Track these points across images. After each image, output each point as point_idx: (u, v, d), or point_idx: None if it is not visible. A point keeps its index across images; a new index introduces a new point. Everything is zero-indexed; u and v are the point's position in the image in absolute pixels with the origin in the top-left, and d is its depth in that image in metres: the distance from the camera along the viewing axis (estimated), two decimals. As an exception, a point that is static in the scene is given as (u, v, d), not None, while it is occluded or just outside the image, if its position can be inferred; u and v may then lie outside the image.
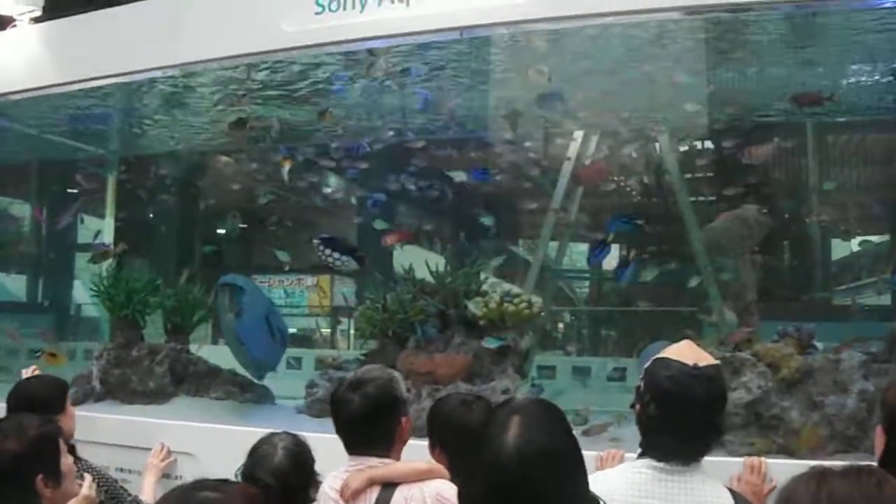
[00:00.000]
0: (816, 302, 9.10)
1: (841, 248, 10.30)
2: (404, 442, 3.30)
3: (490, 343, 5.18)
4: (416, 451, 3.42)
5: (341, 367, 5.89)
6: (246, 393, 6.12)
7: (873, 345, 4.94)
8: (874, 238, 10.03)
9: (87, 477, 3.53)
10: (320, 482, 3.37)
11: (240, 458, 4.52)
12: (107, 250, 6.94)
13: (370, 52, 5.63)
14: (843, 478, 1.87)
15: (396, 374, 3.40)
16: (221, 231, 10.26)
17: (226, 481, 2.15)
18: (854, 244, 10.05)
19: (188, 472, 4.95)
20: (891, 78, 6.05)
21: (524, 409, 2.09)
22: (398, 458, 3.25)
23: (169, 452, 5.06)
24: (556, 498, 1.97)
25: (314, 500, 3.34)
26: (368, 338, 5.76)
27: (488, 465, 1.99)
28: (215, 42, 5.48)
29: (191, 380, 6.15)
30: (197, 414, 5.69)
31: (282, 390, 6.41)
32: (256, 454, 3.36)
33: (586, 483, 2.07)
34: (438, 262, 6.11)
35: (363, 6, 4.98)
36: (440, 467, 3.19)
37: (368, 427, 3.20)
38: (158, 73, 6.09)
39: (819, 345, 4.91)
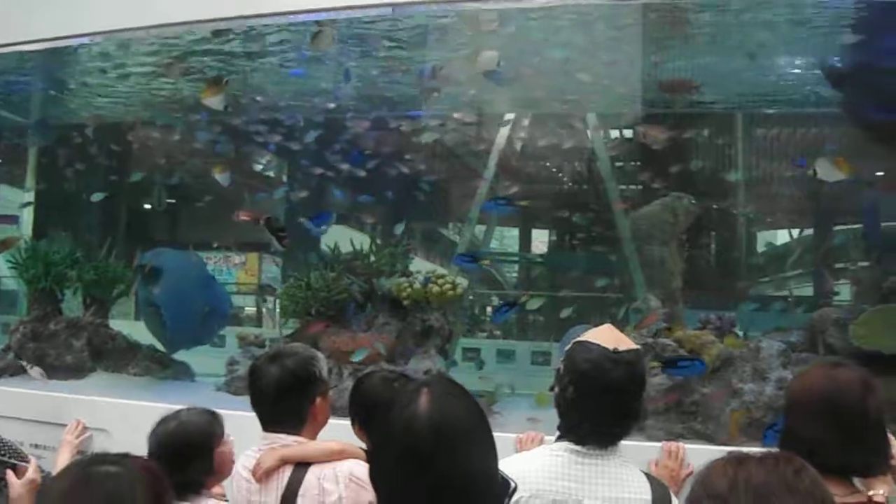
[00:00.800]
0: (739, 291, 9.24)
1: (766, 239, 10.50)
2: (321, 424, 3.24)
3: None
4: (340, 431, 3.38)
5: (263, 345, 5.85)
6: (165, 369, 6.03)
7: (793, 334, 5.05)
8: (796, 230, 10.24)
9: (33, 460, 3.48)
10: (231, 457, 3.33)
11: (153, 434, 4.50)
12: (7, 239, 6.70)
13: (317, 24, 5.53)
14: (760, 464, 1.87)
15: (320, 355, 3.33)
16: (147, 206, 10.08)
17: (126, 455, 2.10)
18: (779, 235, 10.26)
19: (103, 449, 4.86)
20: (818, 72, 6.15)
21: (433, 383, 2.06)
22: (313, 438, 3.20)
23: (85, 429, 4.96)
24: (467, 470, 1.96)
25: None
26: (291, 316, 5.70)
27: (401, 433, 1.96)
28: (153, 8, 5.33)
29: (110, 355, 6.03)
30: (115, 390, 5.59)
31: (203, 368, 6.32)
32: (157, 424, 3.28)
33: (496, 461, 2.05)
34: (363, 241, 6.08)
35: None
36: (354, 447, 3.15)
37: (281, 400, 3.15)
38: (86, 40, 5.91)
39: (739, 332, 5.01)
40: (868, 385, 2.62)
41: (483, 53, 5.45)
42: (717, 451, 4.16)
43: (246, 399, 5.04)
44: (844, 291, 8.15)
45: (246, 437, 3.32)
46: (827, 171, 5.16)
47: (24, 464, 3.49)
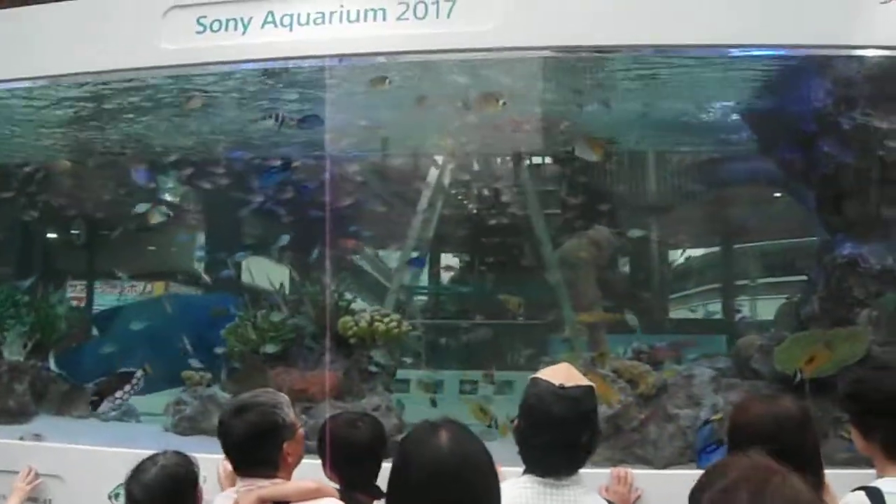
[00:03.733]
0: (657, 317, 9.53)
1: (679, 266, 10.82)
2: (294, 464, 3.35)
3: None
4: (303, 469, 3.52)
5: (209, 385, 5.90)
6: (110, 411, 6.05)
7: (720, 360, 5.36)
8: (699, 252, 10.59)
9: None
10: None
11: (109, 479, 4.55)
12: None
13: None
14: None
15: (284, 399, 3.44)
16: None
17: None
18: (687, 261, 10.62)
19: (57, 495, 4.92)
20: (720, 116, 6.55)
21: (447, 424, 2.32)
22: (289, 478, 3.31)
23: (37, 475, 4.98)
24: (485, 498, 2.26)
25: None
26: (238, 356, 5.78)
27: (427, 463, 2.23)
28: (91, 55, 5.37)
29: (52, 398, 6.03)
30: (61, 433, 5.58)
31: (147, 408, 6.34)
32: (135, 471, 3.38)
33: (500, 497, 2.32)
34: (283, 273, 6.20)
35: (245, 29, 5.04)
36: (329, 487, 3.30)
37: (253, 451, 3.25)
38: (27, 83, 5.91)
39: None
40: (807, 417, 2.90)
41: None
42: (657, 474, 4.48)
43: (193, 439, 5.18)
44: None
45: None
46: (583, 151, 5.72)
47: None
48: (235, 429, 3.26)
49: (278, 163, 6.84)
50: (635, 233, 8.08)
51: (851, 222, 5.20)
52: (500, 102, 5.47)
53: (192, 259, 10.18)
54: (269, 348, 5.61)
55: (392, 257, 10.13)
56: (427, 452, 2.23)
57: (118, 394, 5.97)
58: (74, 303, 9.07)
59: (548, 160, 8.63)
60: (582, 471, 2.99)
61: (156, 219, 6.54)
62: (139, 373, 5.98)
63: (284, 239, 6.66)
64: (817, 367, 4.68)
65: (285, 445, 3.31)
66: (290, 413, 3.41)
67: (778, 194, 7.47)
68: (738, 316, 9.29)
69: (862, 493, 2.87)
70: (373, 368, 5.53)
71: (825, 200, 5.43)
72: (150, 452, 3.45)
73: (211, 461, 3.75)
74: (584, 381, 3.00)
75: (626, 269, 10.09)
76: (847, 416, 3.24)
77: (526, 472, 2.95)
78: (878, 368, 3.67)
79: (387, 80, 5.47)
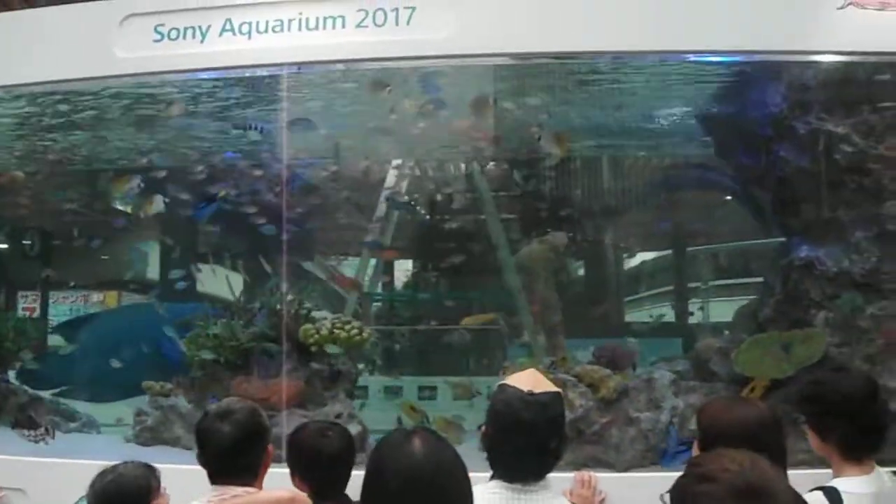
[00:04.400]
0: (613, 320, 9.61)
1: (634, 270, 10.93)
2: (266, 469, 3.35)
3: None
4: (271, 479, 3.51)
5: (168, 395, 5.86)
6: (70, 423, 5.99)
7: (679, 363, 5.42)
8: (652, 255, 10.70)
9: None
10: None
11: (71, 492, 4.50)
12: None
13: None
14: None
15: (256, 405, 3.44)
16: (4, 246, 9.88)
17: None
18: (641, 264, 10.72)
19: (19, 509, 4.87)
20: (674, 120, 6.62)
21: (419, 432, 2.34)
22: (261, 486, 3.30)
23: (0, 488, 4.91)
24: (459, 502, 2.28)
25: None
26: (198, 366, 5.73)
27: (402, 468, 2.23)
28: (42, 64, 5.33)
29: (11, 410, 5.96)
30: (21, 446, 5.54)
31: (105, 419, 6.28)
32: (94, 481, 3.35)
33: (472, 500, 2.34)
34: (235, 281, 6.19)
35: (204, 37, 5.02)
36: (303, 496, 3.27)
37: (238, 456, 3.23)
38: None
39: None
40: (780, 419, 2.95)
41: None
42: (619, 477, 4.52)
43: (155, 449, 5.12)
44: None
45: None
46: (549, 144, 5.93)
47: None
48: (222, 432, 3.23)
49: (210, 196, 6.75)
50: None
51: (808, 225, 5.27)
52: (387, 89, 5.57)
53: (146, 268, 10.09)
54: (206, 354, 5.57)
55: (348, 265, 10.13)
56: (402, 459, 2.24)
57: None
58: (27, 313, 8.97)
59: (503, 166, 8.66)
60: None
61: (154, 209, 6.43)
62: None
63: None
64: (755, 394, 4.79)
65: (269, 449, 3.34)
66: (266, 418, 3.42)
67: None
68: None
69: (819, 492, 2.92)
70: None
71: (781, 203, 5.50)
72: (111, 463, 3.41)
73: (173, 472, 3.70)
74: (552, 387, 3.00)
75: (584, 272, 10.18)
76: (804, 416, 3.28)
77: (493, 477, 2.95)
78: (836, 370, 3.73)
79: (387, 88, 5.50)
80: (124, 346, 6.25)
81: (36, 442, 5.74)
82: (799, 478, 3.07)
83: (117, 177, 6.56)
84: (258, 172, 6.37)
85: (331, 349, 5.46)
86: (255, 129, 5.79)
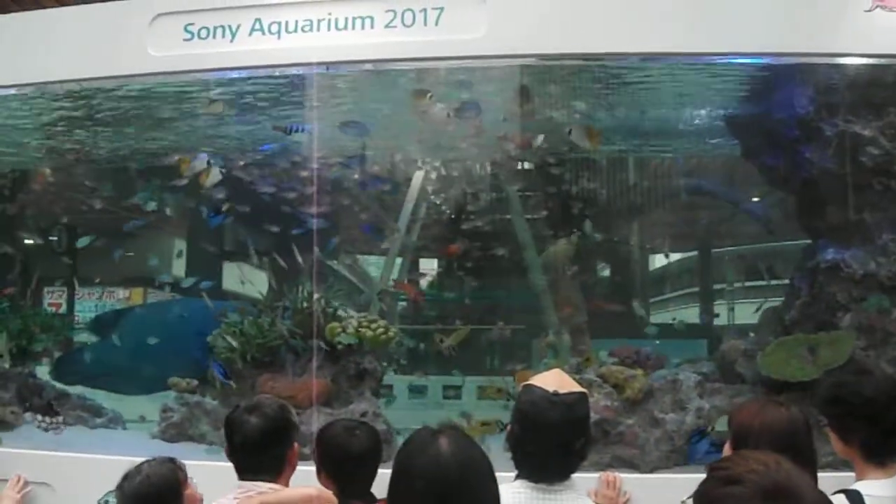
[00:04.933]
0: (638, 321, 9.59)
1: (661, 271, 10.89)
2: (293, 469, 3.40)
3: None
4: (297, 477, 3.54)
5: (194, 392, 5.89)
6: (96, 418, 6.03)
7: (704, 365, 5.41)
8: (678, 255, 10.65)
9: None
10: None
11: (98, 487, 4.55)
12: None
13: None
14: None
15: (286, 402, 3.49)
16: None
17: None
18: (669, 266, 10.67)
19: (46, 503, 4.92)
20: (696, 122, 6.61)
21: (445, 431, 2.35)
22: (287, 485, 3.33)
23: (26, 483, 4.97)
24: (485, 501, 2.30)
25: None
26: (226, 362, 5.76)
27: (430, 468, 2.25)
28: (78, 62, 5.39)
29: (39, 406, 6.01)
30: (48, 441, 5.60)
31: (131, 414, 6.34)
32: (123, 479, 3.38)
33: (500, 502, 2.36)
34: (262, 279, 6.21)
35: (234, 36, 5.07)
36: (329, 493, 3.30)
37: (263, 450, 3.28)
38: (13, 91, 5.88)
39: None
40: (809, 422, 2.94)
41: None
42: (645, 478, 4.52)
43: (181, 445, 5.16)
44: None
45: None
46: (579, 137, 5.81)
47: None
48: (250, 425, 3.29)
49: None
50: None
51: (834, 227, 5.26)
52: (429, 96, 5.57)
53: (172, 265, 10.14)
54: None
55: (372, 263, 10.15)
56: (428, 459, 2.26)
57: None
58: (52, 309, 9.03)
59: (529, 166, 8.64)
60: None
61: (211, 181, 6.45)
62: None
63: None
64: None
65: (295, 446, 3.39)
66: (295, 415, 3.48)
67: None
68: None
69: (842, 495, 2.90)
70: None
71: (808, 205, 5.49)
72: (138, 459, 3.46)
73: (198, 468, 3.73)
74: (577, 388, 3.01)
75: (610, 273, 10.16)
76: (826, 419, 3.27)
77: (519, 476, 2.96)
78: (858, 373, 3.71)
79: (428, 95, 5.52)
80: (187, 339, 6.25)
81: (46, 430, 5.81)
82: (822, 480, 3.09)
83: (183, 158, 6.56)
84: (304, 173, 6.36)
85: (345, 339, 5.46)
86: (299, 130, 5.80)
